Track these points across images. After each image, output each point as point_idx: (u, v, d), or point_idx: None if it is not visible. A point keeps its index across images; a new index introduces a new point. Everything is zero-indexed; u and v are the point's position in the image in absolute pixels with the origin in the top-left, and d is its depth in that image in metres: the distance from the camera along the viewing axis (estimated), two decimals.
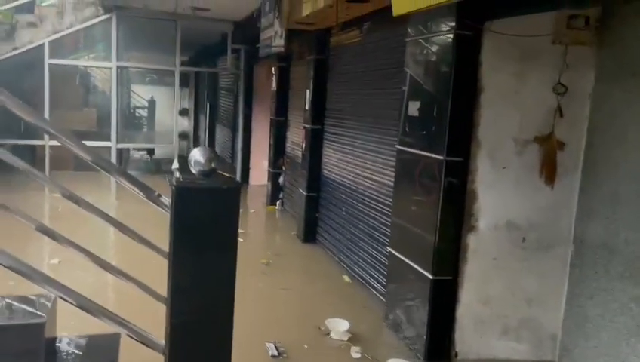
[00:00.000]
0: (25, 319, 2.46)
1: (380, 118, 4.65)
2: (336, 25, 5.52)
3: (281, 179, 7.93)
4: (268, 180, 8.22)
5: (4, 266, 2.16)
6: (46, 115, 9.42)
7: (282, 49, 6.23)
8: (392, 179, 4.36)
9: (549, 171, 3.39)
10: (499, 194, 3.40)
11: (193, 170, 2.59)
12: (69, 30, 9.29)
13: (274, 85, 7.97)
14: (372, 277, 4.74)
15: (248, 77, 10.26)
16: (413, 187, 3.70)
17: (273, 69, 7.95)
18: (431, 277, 3.42)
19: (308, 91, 6.22)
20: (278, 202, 7.97)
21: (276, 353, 3.63)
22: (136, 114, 19.22)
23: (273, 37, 6.58)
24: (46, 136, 9.31)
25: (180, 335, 2.42)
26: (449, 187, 3.36)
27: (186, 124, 18.60)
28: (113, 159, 9.77)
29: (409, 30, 3.80)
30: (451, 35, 3.30)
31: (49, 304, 2.57)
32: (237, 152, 10.80)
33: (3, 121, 8.77)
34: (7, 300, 2.61)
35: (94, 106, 12.64)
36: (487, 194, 3.39)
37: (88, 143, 8.18)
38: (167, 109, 20.26)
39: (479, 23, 3.23)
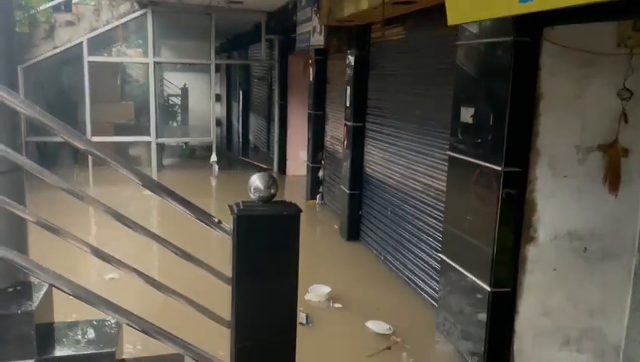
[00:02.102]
0: (95, 348, 2.52)
1: (427, 119, 4.55)
2: (380, 21, 5.40)
3: (320, 173, 7.91)
4: (307, 174, 8.21)
5: (69, 294, 2.22)
6: (87, 110, 9.61)
7: (322, 45, 6.15)
8: (443, 184, 4.29)
9: (613, 179, 3.25)
10: (559, 203, 3.29)
11: (252, 196, 2.60)
12: (106, 27, 9.39)
13: (311, 78, 7.89)
14: (420, 278, 4.71)
15: (283, 67, 10.19)
16: (467, 195, 3.61)
17: (310, 62, 7.86)
18: (489, 289, 3.36)
19: (348, 88, 6.13)
20: (317, 196, 7.96)
21: (305, 321, 4.12)
22: (170, 102, 19.39)
23: (311, 32, 6.50)
24: (88, 133, 9.50)
25: (245, 359, 2.47)
26: (507, 198, 3.27)
27: (218, 110, 18.66)
28: (153, 153, 9.93)
29: (460, 33, 3.67)
30: (509, 41, 3.17)
31: (115, 328, 2.63)
32: (273, 143, 10.83)
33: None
34: (75, 327, 2.68)
35: (131, 99, 12.83)
36: (547, 204, 3.28)
37: (128, 138, 8.33)
38: (201, 96, 20.37)
39: (538, 30, 3.09)
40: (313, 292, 4.63)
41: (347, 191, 6.19)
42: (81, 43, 9.35)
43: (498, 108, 3.28)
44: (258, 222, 2.49)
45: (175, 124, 18.03)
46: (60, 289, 2.26)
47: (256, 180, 2.55)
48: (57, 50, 9.33)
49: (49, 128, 2.13)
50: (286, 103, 10.23)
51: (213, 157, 10.33)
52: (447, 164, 4.22)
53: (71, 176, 9.23)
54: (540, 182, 3.27)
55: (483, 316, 3.42)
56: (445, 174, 4.26)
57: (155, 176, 9.68)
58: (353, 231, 6.19)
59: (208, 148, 10.47)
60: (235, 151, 13.46)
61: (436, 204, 4.41)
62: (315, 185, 7.99)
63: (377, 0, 4.31)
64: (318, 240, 6.34)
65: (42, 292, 2.51)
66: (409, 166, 4.90)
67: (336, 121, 7.26)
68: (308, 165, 8.11)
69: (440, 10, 4.19)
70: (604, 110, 3.18)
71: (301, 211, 2.61)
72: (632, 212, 3.26)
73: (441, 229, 4.36)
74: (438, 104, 4.36)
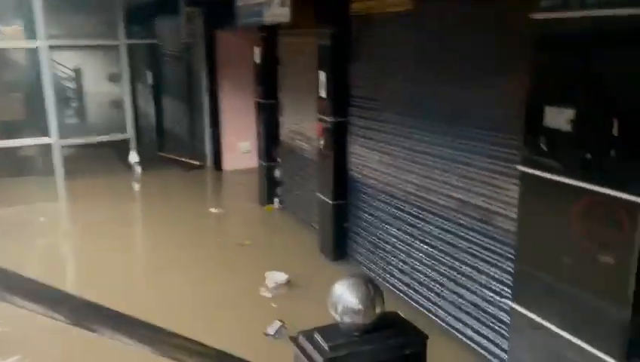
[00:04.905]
0: None
1: (462, 117, 3.50)
2: None
3: (277, 174, 6.66)
4: (260, 174, 6.91)
5: None
6: None
7: (287, 20, 4.87)
8: (496, 204, 3.29)
9: None
10: None
11: (338, 319, 1.48)
12: None
13: (258, 60, 6.53)
14: (458, 320, 3.74)
15: (209, 46, 8.64)
16: (565, 231, 2.63)
17: (256, 40, 6.49)
18: None
19: (323, 74, 4.91)
20: (275, 200, 6.73)
21: (272, 333, 3.86)
22: (62, 86, 16.72)
23: (266, 4, 5.16)
24: None
25: None
26: None
27: (117, 91, 16.34)
28: (56, 158, 8.03)
29: (544, 1, 2.61)
30: None
31: None
32: (202, 133, 9.32)
33: None
34: None
35: (17, 90, 10.54)
36: None
37: (23, 142, 6.35)
38: (99, 79, 17.80)
39: None
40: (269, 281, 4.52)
41: (330, 202, 5.03)
42: None
43: (631, 113, 2.29)
44: None
45: (71, 111, 15.51)
46: None
47: (346, 294, 1.55)
48: None
49: None
50: (216, 88, 8.74)
51: (134, 157, 8.64)
52: (500, 177, 3.23)
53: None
54: None
55: None
56: (499, 191, 3.28)
57: (62, 187, 7.84)
58: (340, 250, 5.08)
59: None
60: (148, 143, 11.51)
61: (483, 228, 3.41)
62: (270, 187, 6.74)
63: None
64: (296, 261, 5.14)
65: None
66: (431, 176, 3.85)
67: (297, 112, 6.02)
68: (261, 164, 6.81)
69: None
70: None
71: (427, 338, 1.52)
72: None
73: (491, 261, 3.40)
74: (481, 99, 3.32)
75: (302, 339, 1.43)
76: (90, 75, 16.76)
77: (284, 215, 6.56)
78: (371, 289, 1.48)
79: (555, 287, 2.73)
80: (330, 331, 1.45)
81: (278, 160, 6.62)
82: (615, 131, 2.35)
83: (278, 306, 4.29)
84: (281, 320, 3.94)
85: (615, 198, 2.37)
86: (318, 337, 1.40)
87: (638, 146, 2.27)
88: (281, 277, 4.61)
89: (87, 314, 1.17)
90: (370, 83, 4.49)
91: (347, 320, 1.45)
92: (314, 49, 5.08)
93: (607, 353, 2.48)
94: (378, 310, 1.47)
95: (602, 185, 2.42)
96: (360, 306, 1.44)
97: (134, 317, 1.24)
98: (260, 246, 5.71)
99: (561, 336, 2.70)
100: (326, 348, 1.37)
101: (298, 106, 5.95)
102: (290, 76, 6.10)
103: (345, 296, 1.46)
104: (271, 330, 3.87)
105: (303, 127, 5.84)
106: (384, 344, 1.43)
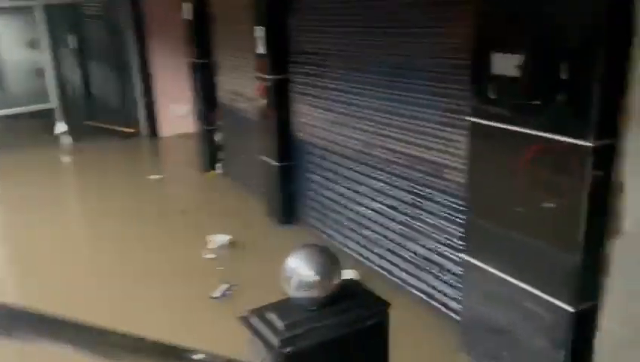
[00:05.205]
0: None
1: (407, 69, 3.37)
2: None
3: (217, 138, 6.38)
4: (200, 139, 6.60)
5: None
6: None
7: None
8: (446, 157, 3.24)
9: None
10: None
11: (294, 294, 1.36)
12: None
13: (188, 16, 6.12)
14: (412, 276, 3.72)
15: (134, 3, 8.05)
16: (515, 180, 2.61)
17: None
18: (572, 309, 2.46)
19: (259, 29, 4.63)
20: (217, 165, 6.47)
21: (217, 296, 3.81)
22: None
23: None
24: None
25: None
26: (596, 184, 2.32)
27: (38, 58, 15.17)
28: None
29: None
30: None
31: None
32: (134, 98, 8.78)
33: None
34: None
35: None
36: (637, 184, 2.40)
37: None
38: (15, 45, 16.42)
39: None
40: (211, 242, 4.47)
41: (275, 164, 4.85)
42: None
43: (580, 55, 2.24)
44: (320, 351, 1.30)
45: None
46: None
47: (300, 267, 1.36)
48: None
49: None
50: (146, 49, 8.22)
51: (61, 127, 8.07)
52: (451, 130, 3.17)
53: None
54: (630, 157, 2.34)
55: (558, 344, 2.55)
56: (448, 144, 3.22)
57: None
58: (287, 213, 4.95)
59: None
60: (76, 112, 10.76)
61: (434, 182, 3.36)
62: (211, 152, 6.47)
63: None
64: (241, 226, 4.97)
65: None
66: (379, 132, 3.73)
67: (234, 71, 5.72)
68: (199, 128, 6.50)
69: None
70: None
71: (389, 306, 1.43)
72: None
73: (443, 214, 3.36)
74: (424, 49, 3.20)
75: (253, 320, 1.28)
76: (7, 42, 15.39)
77: (227, 180, 6.33)
78: (327, 259, 1.34)
79: (506, 236, 2.72)
80: (284, 307, 1.30)
81: (218, 123, 6.33)
82: (564, 75, 2.31)
83: (224, 269, 4.16)
84: (227, 283, 3.85)
85: (564, 143, 2.34)
86: (271, 316, 1.26)
87: (587, 89, 2.23)
88: (223, 238, 4.51)
89: (6, 320, 0.98)
90: (311, 36, 4.27)
91: (303, 294, 1.30)
92: (249, 1, 4.78)
93: (558, 298, 2.51)
94: (335, 281, 1.33)
95: (551, 130, 2.39)
96: (316, 277, 1.30)
97: (63, 317, 1.05)
98: (203, 212, 5.51)
99: (514, 284, 2.71)
100: (281, 327, 1.23)
101: (235, 65, 5.64)
102: (225, 32, 5.76)
103: (299, 269, 1.31)
104: (217, 293, 3.80)
105: (242, 86, 5.56)
106: (344, 317, 1.31)
